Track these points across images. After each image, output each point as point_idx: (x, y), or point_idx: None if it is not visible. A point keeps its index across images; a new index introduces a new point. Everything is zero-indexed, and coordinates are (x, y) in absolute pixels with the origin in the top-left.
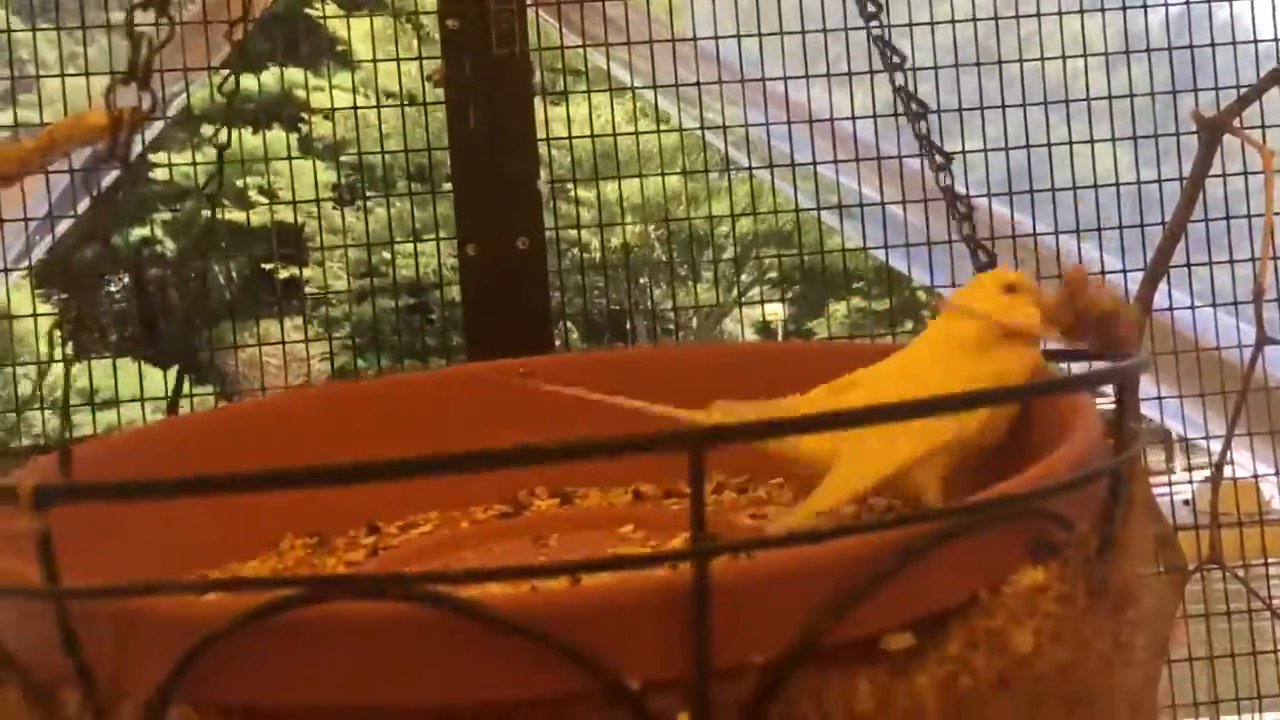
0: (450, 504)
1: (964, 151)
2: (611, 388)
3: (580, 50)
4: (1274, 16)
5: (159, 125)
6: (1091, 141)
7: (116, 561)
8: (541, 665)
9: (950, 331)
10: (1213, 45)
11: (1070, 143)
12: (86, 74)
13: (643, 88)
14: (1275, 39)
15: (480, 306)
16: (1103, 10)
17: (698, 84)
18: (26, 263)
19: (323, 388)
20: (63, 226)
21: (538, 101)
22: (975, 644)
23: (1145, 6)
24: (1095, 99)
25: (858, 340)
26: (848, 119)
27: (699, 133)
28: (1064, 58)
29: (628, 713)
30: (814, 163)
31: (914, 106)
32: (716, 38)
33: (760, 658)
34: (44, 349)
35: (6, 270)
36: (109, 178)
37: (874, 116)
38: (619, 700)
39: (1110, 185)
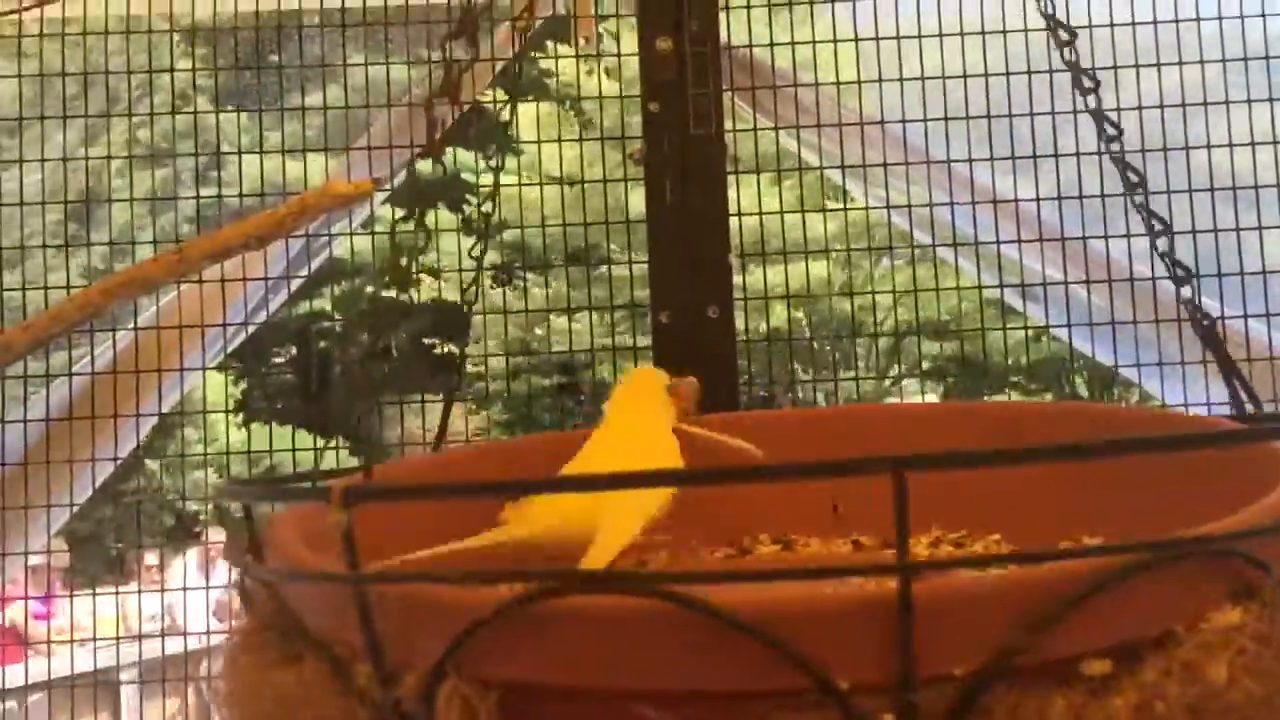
0: (682, 544)
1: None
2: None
3: (772, 132)
4: None
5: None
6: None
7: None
8: (763, 662)
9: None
10: None
11: (1260, 228)
12: (283, 152)
13: (830, 167)
14: None
15: (673, 372)
16: None
17: (884, 165)
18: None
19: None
20: (295, 284)
21: (730, 179)
22: (1170, 673)
23: None
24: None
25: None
26: (1031, 200)
27: (883, 214)
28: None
29: (836, 711)
30: (997, 241)
31: (1132, 178)
32: (904, 120)
33: (960, 670)
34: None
35: (246, 324)
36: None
37: (1058, 199)
38: (829, 699)
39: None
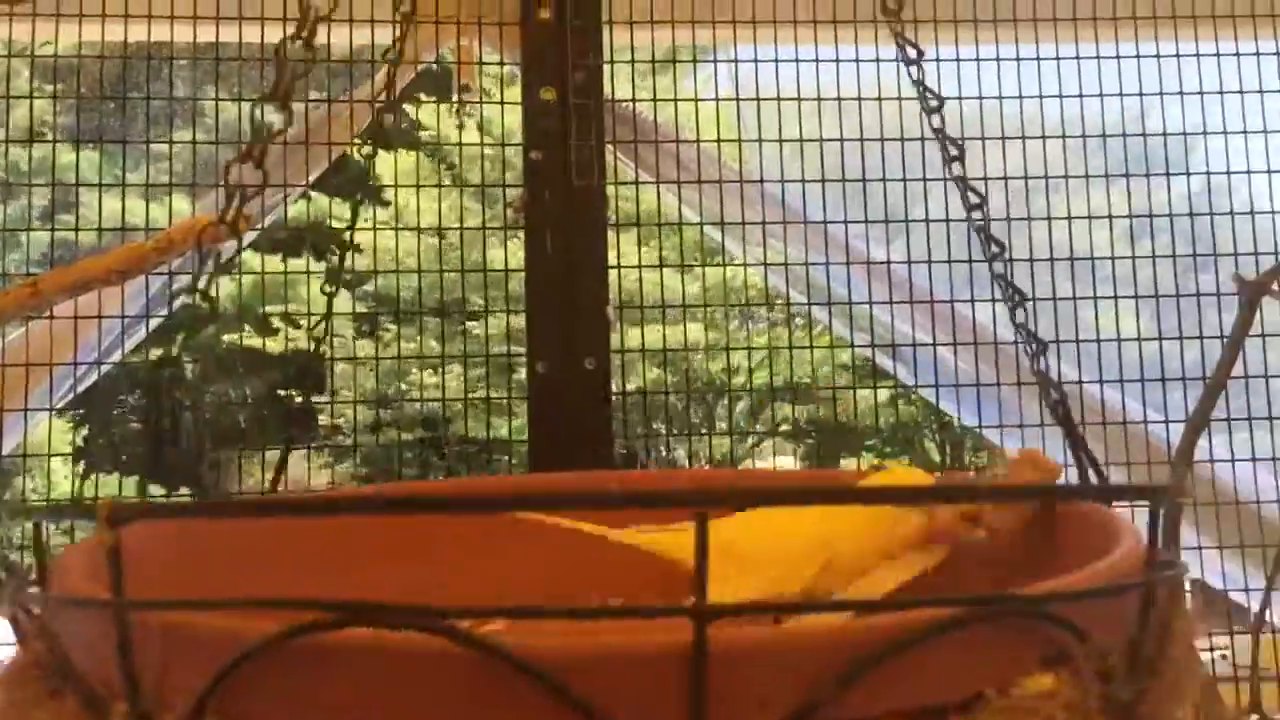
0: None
1: (993, 300)
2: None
3: (653, 187)
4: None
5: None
6: (1115, 298)
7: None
8: (545, 708)
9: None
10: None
11: (1094, 298)
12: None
13: (709, 224)
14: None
15: (546, 421)
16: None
17: (763, 223)
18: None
19: (395, 485)
20: (154, 323)
21: (610, 232)
22: None
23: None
24: (1120, 257)
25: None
26: (902, 262)
27: (740, 273)
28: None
29: None
30: (870, 302)
31: (993, 247)
32: (783, 181)
33: None
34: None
35: (100, 363)
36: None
37: (928, 262)
38: None
39: (1152, 339)
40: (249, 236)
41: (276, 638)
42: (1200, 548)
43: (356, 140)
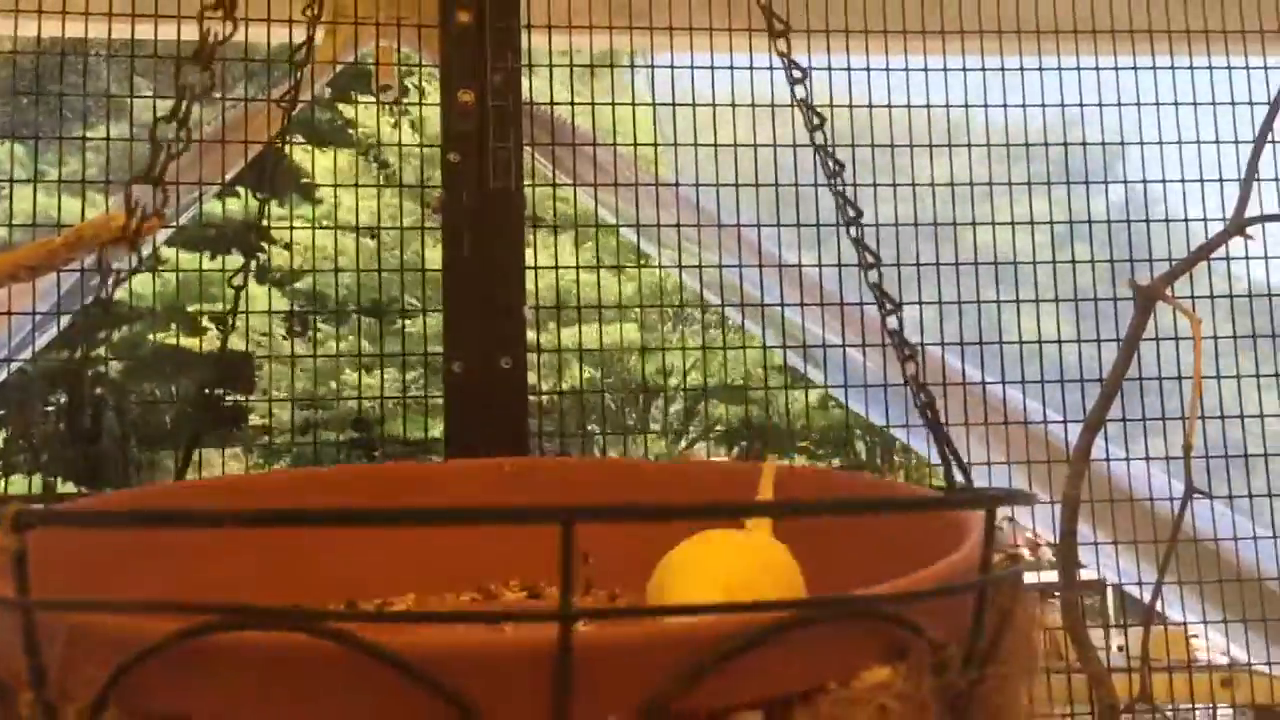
0: (426, 588)
1: (920, 303)
2: (586, 489)
3: (570, 190)
4: (1203, 201)
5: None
6: (1036, 301)
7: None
8: (421, 703)
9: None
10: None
11: (1017, 301)
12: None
13: (626, 226)
14: (1205, 219)
15: (462, 420)
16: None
17: (677, 225)
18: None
19: (314, 471)
20: (65, 320)
21: (528, 233)
22: None
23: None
24: (1041, 262)
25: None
26: (814, 266)
27: (676, 275)
28: (1013, 224)
29: None
30: (782, 304)
31: (867, 257)
32: (697, 185)
33: (614, 718)
34: None
35: (9, 360)
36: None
37: (838, 266)
38: None
39: (1053, 341)
40: (163, 235)
41: (173, 637)
42: (1097, 543)
43: (276, 140)
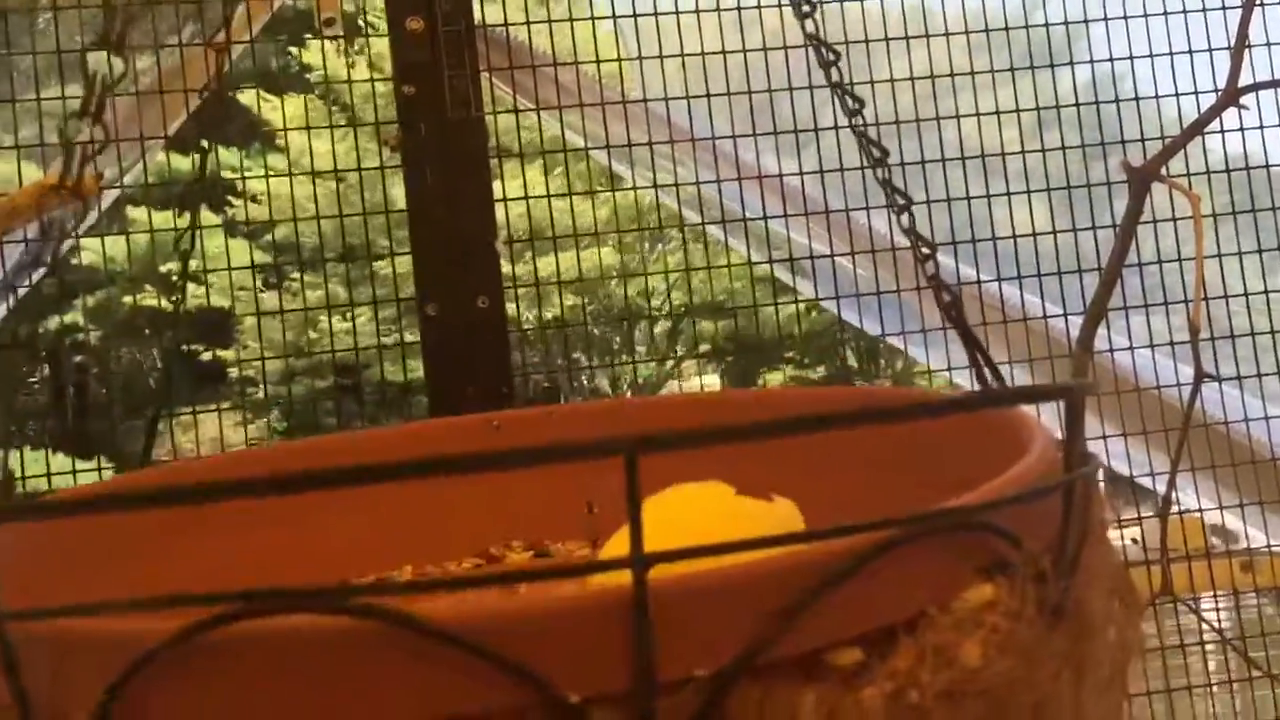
0: (425, 558)
1: (914, 203)
2: (588, 436)
3: (535, 115)
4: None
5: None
6: (1027, 192)
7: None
8: (480, 679)
9: None
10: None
11: (1008, 194)
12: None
13: (595, 148)
14: (1175, 94)
15: (441, 365)
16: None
17: (649, 144)
18: None
19: (290, 444)
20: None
21: (494, 165)
22: (923, 658)
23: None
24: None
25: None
26: (795, 175)
27: (652, 194)
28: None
29: None
30: (765, 217)
31: (875, 152)
32: (666, 99)
33: (703, 671)
34: None
35: None
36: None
37: (820, 172)
38: (559, 715)
39: (1047, 233)
40: (124, 194)
41: (176, 636)
42: (1105, 436)
43: (212, 88)
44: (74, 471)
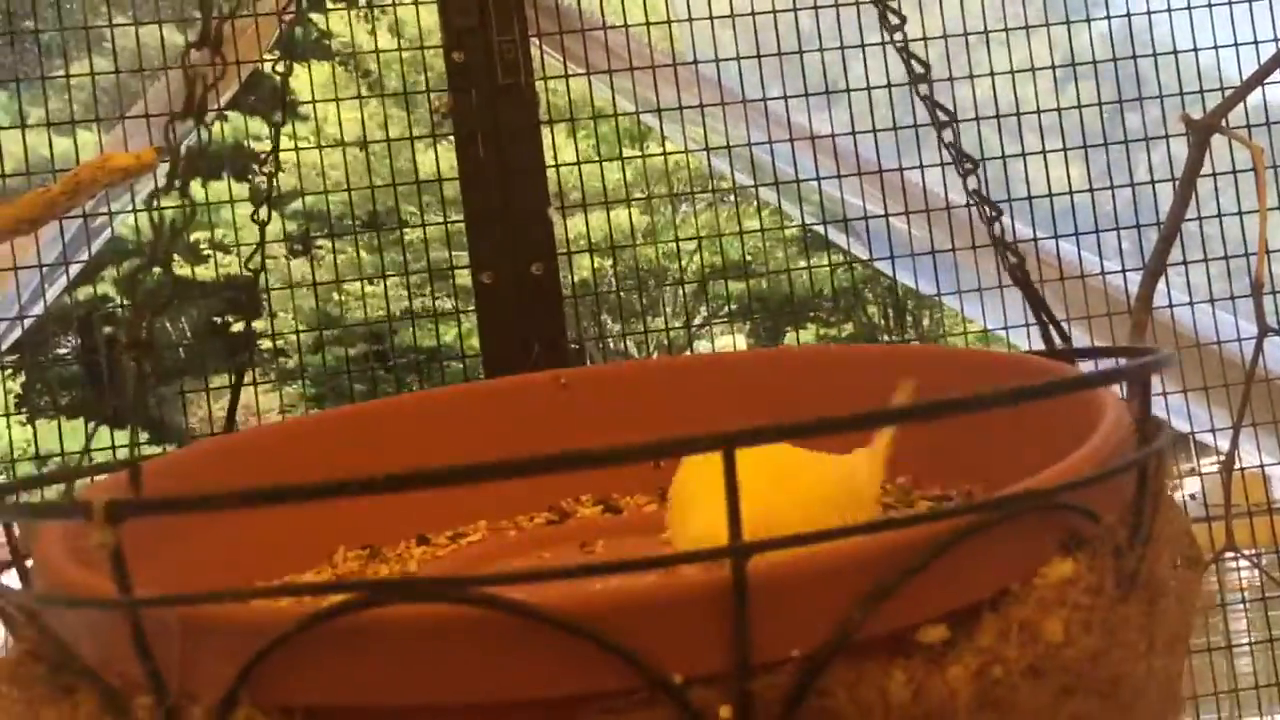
0: (497, 514)
1: (942, 165)
2: (656, 396)
3: (584, 80)
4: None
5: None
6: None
7: (180, 569)
8: (588, 662)
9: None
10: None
11: (1045, 152)
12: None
13: (646, 112)
14: (1215, 46)
15: (497, 332)
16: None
17: (700, 106)
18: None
19: (359, 407)
20: (75, 270)
21: (545, 131)
22: (1007, 635)
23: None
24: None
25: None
26: (847, 135)
27: (702, 156)
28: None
29: (671, 708)
30: (818, 178)
31: (940, 115)
32: (717, 60)
33: (798, 652)
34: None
35: (21, 318)
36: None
37: (873, 131)
38: (663, 695)
39: (1084, 191)
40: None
41: (305, 621)
42: (1165, 393)
43: (268, 57)
44: (113, 447)
